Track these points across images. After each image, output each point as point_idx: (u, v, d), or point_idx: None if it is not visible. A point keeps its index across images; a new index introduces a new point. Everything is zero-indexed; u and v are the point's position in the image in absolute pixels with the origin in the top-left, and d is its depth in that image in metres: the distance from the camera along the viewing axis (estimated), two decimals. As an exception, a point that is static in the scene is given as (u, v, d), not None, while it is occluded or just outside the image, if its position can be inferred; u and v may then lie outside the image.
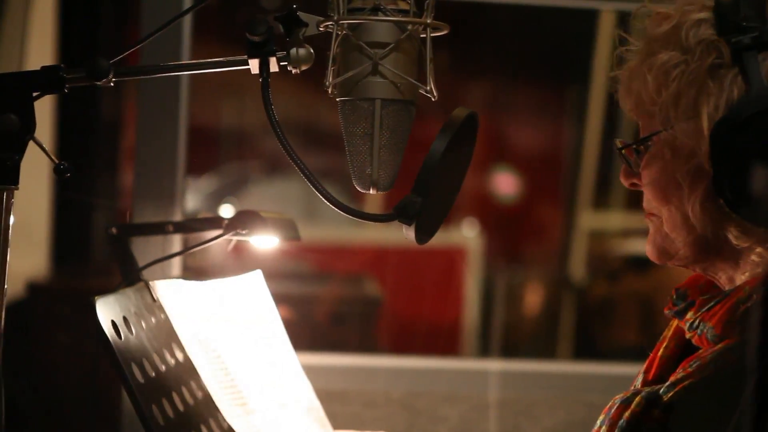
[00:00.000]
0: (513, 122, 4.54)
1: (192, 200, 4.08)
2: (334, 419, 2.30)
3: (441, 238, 3.92)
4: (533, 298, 4.51)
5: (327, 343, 3.37)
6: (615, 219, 4.25)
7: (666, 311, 1.41)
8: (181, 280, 1.49)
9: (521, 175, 4.50)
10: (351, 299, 3.61)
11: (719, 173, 1.25)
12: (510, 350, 4.15)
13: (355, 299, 3.62)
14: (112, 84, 1.29)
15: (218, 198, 4.18)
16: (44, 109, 3.30)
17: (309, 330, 3.41)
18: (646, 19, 1.36)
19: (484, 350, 4.03)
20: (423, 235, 1.25)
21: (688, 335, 1.36)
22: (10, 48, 2.73)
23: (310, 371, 2.33)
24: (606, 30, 3.86)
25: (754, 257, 1.31)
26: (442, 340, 4.00)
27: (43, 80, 1.28)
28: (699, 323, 1.33)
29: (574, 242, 4.18)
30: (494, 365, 2.57)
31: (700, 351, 1.32)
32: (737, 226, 1.29)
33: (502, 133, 4.47)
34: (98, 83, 1.28)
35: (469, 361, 3.62)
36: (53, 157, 1.30)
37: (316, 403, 1.66)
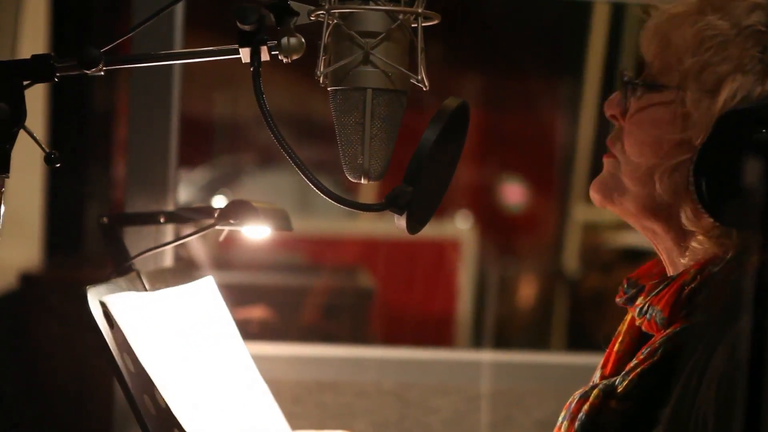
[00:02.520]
0: (507, 114, 4.54)
1: (186, 191, 4.07)
2: (326, 409, 2.30)
3: (435, 230, 3.92)
4: (527, 290, 4.51)
5: (320, 334, 3.38)
6: (608, 211, 4.24)
7: (617, 300, 1.41)
8: (132, 293, 1.47)
9: (514, 168, 4.50)
10: (344, 291, 3.61)
11: (704, 157, 1.24)
12: (503, 342, 4.16)
13: (348, 291, 3.62)
14: (102, 73, 1.29)
15: (212, 189, 4.17)
16: (37, 99, 3.29)
17: (302, 321, 3.41)
18: None
19: (478, 342, 4.03)
20: (414, 224, 1.25)
21: (638, 321, 1.36)
22: (2, 38, 2.73)
23: (303, 362, 2.33)
24: (600, 22, 3.85)
25: (695, 243, 1.31)
26: (435, 332, 4.00)
27: (34, 69, 1.28)
28: (648, 308, 1.33)
29: (567, 234, 4.18)
30: (486, 356, 2.57)
31: (652, 338, 1.33)
32: (693, 208, 1.28)
33: (495, 125, 4.47)
34: (89, 72, 1.27)
35: (462, 352, 3.63)
36: (44, 147, 1.30)
37: (275, 406, 1.66)
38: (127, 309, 1.44)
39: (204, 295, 1.63)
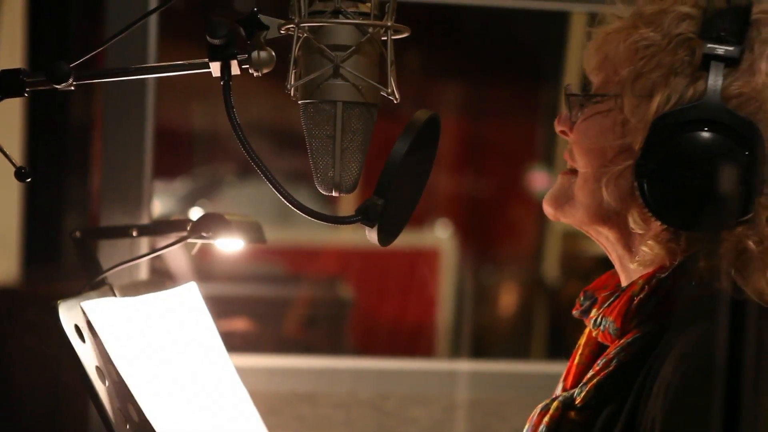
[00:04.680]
0: (486, 122, 4.55)
1: (165, 202, 4.06)
2: (303, 421, 2.30)
3: (414, 240, 3.93)
4: (507, 299, 4.52)
5: (298, 345, 3.37)
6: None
7: (573, 312, 1.45)
8: (112, 298, 1.47)
9: (493, 176, 4.51)
10: (323, 302, 3.60)
11: (644, 160, 1.29)
12: (484, 351, 4.16)
13: (327, 301, 3.62)
14: (72, 88, 1.29)
15: (191, 201, 4.16)
16: (14, 112, 3.28)
17: (281, 333, 3.40)
18: None
19: (458, 351, 4.04)
20: (386, 236, 1.26)
21: (594, 333, 1.40)
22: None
23: (280, 374, 2.33)
24: (577, 31, 3.88)
25: (644, 247, 1.34)
26: (415, 342, 4.00)
27: (3, 84, 1.28)
28: (601, 319, 1.37)
29: (547, 243, 4.20)
30: (465, 366, 2.58)
31: (608, 350, 1.36)
32: (640, 212, 1.32)
33: (475, 134, 4.48)
34: (59, 87, 1.27)
35: (440, 362, 3.63)
36: (13, 162, 1.29)
37: (255, 413, 1.66)
38: (106, 315, 1.43)
39: (186, 301, 1.63)
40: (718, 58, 1.28)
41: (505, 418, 2.40)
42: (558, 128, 1.44)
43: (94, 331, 1.43)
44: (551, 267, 4.21)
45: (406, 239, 3.87)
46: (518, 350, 4.34)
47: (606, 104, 1.36)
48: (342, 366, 2.41)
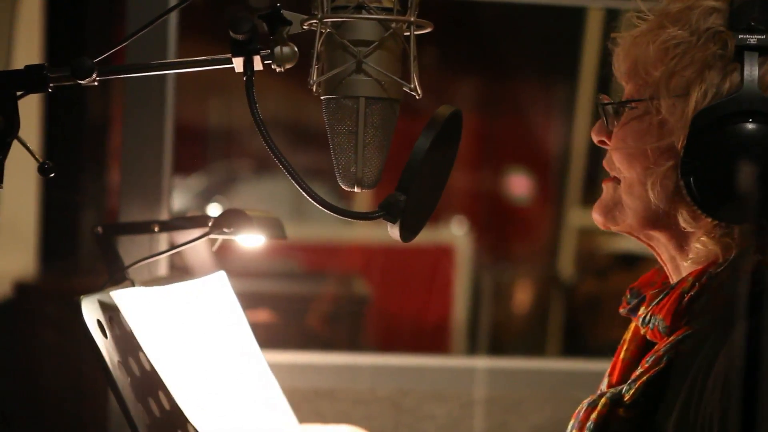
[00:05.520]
0: (502, 120, 4.54)
1: (181, 199, 4.07)
2: (323, 417, 2.30)
3: (430, 237, 3.92)
4: (522, 296, 4.51)
5: (316, 342, 3.37)
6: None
7: (620, 310, 1.44)
8: (141, 288, 1.48)
9: (509, 173, 4.50)
10: (340, 298, 3.61)
11: (688, 158, 1.28)
12: (499, 348, 4.15)
13: (344, 298, 3.62)
14: (96, 83, 1.29)
15: (207, 197, 4.17)
16: (32, 108, 3.29)
17: (298, 329, 3.40)
18: None
19: (473, 348, 4.03)
20: (408, 233, 1.26)
21: (642, 331, 1.39)
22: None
23: (299, 370, 2.33)
24: (594, 27, 3.86)
25: (697, 245, 1.33)
26: (431, 339, 4.00)
27: (27, 79, 1.28)
28: (650, 317, 1.36)
29: (562, 240, 4.19)
30: (482, 363, 2.57)
31: (656, 346, 1.35)
32: (689, 210, 1.32)
33: (491, 130, 4.47)
34: (82, 82, 1.28)
35: (457, 358, 3.63)
36: (37, 157, 1.30)
37: (284, 400, 1.66)
38: (135, 304, 1.44)
39: (215, 289, 1.63)
40: (752, 47, 1.27)
41: (523, 415, 2.40)
42: (596, 138, 1.43)
43: (117, 324, 1.43)
44: (566, 264, 4.20)
45: (422, 236, 3.86)
46: (534, 347, 4.33)
47: (641, 108, 1.35)
48: (361, 362, 2.41)
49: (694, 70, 1.30)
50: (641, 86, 1.36)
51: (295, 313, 3.43)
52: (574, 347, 4.14)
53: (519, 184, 4.43)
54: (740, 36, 1.27)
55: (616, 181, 1.40)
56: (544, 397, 2.41)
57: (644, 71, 1.35)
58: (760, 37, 1.27)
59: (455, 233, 4.14)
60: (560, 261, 4.20)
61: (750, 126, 1.25)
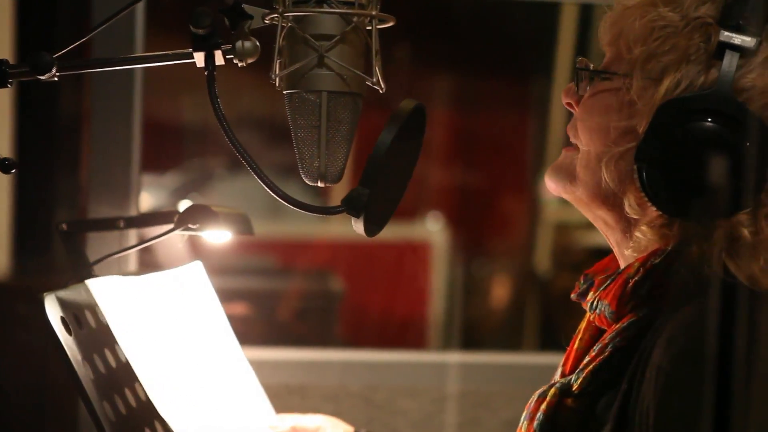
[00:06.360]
0: (476, 114, 4.55)
1: (157, 196, 4.05)
2: (294, 413, 2.29)
3: (406, 233, 3.92)
4: (499, 291, 4.52)
5: (289, 338, 3.37)
6: (580, 211, 4.25)
7: (572, 295, 1.44)
8: (117, 277, 1.47)
9: (485, 168, 4.51)
10: (314, 294, 3.60)
11: (646, 144, 1.27)
12: (476, 343, 4.16)
13: (318, 294, 3.61)
14: (56, 78, 1.28)
15: (183, 194, 4.15)
16: (3, 105, 3.26)
17: (272, 325, 3.40)
18: None
19: (450, 343, 4.04)
20: (372, 227, 1.26)
21: (590, 317, 1.39)
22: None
23: (269, 366, 2.32)
24: (568, 23, 3.87)
25: (638, 233, 1.33)
26: (407, 335, 4.00)
27: (-14, 75, 1.27)
28: (597, 302, 1.35)
29: (539, 235, 4.19)
30: (454, 357, 2.58)
31: (603, 335, 1.35)
32: (637, 197, 1.31)
33: (465, 126, 4.48)
34: (42, 78, 1.27)
35: (429, 354, 3.63)
36: (-3, 153, 1.29)
37: (261, 390, 1.66)
38: (111, 292, 1.43)
39: (192, 280, 1.63)
40: (734, 47, 1.25)
41: (495, 410, 2.41)
42: (564, 100, 1.42)
43: (86, 320, 1.43)
44: (543, 259, 4.20)
45: (397, 232, 3.86)
46: (510, 342, 4.34)
47: (615, 82, 1.34)
48: (332, 358, 2.41)
49: (673, 58, 1.28)
50: (619, 60, 1.34)
51: (268, 309, 3.42)
52: (550, 342, 4.15)
53: (496, 180, 4.44)
54: (726, 33, 1.25)
55: (576, 150, 1.39)
56: (517, 392, 2.41)
57: (625, 46, 1.33)
58: (745, 38, 1.25)
59: (431, 229, 4.14)
60: (537, 256, 4.20)
61: (710, 126, 1.23)
